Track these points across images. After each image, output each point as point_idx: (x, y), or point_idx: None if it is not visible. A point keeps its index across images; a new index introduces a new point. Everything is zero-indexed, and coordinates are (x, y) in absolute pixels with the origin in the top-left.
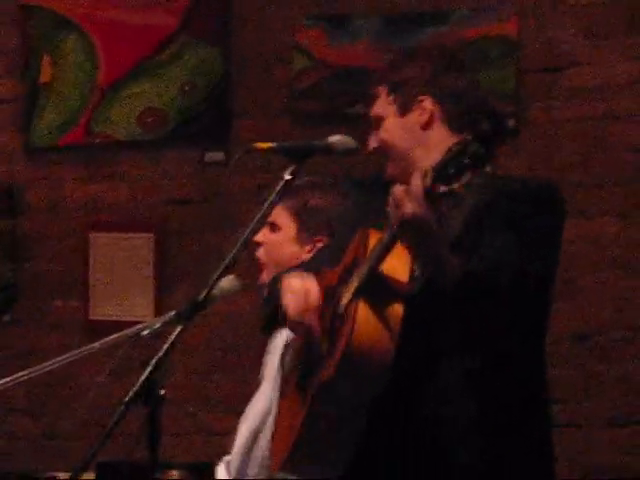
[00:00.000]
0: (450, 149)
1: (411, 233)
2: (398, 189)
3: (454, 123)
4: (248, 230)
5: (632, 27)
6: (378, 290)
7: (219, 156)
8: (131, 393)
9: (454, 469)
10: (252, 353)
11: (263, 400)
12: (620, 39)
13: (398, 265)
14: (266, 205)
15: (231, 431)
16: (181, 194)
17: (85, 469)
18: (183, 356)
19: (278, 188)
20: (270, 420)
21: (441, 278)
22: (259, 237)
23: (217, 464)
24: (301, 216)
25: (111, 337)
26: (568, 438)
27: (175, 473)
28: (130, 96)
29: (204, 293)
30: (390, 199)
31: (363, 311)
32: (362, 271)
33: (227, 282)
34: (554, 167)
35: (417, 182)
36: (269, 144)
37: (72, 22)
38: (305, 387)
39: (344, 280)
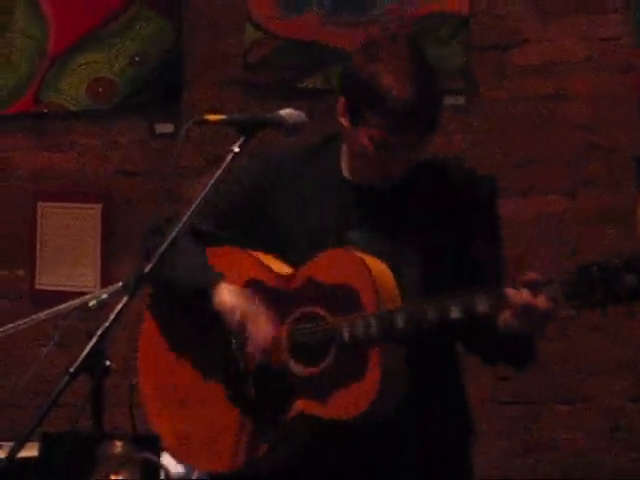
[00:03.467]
0: None
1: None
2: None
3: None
4: (195, 203)
5: (581, 6)
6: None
7: (169, 127)
8: (76, 363)
9: None
10: None
11: None
12: (570, 17)
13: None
14: (214, 178)
15: None
16: (130, 165)
17: (28, 439)
18: (128, 328)
19: (227, 161)
20: None
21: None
22: None
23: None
24: None
25: (57, 307)
26: (512, 414)
27: (119, 444)
28: (80, 66)
29: (150, 265)
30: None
31: (388, 352)
32: (397, 319)
33: None
34: (503, 145)
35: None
36: (219, 116)
37: None
38: (236, 400)
39: (312, 299)
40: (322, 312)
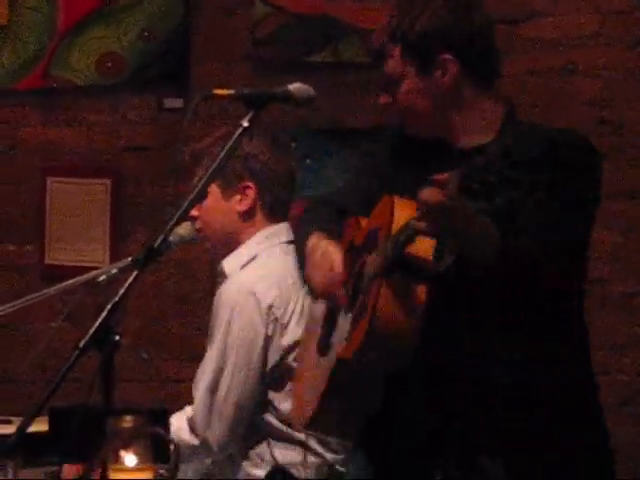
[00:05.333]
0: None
1: (442, 223)
2: (428, 193)
3: (480, 78)
4: (205, 177)
5: None
6: (402, 269)
7: (178, 102)
8: (86, 338)
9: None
10: (206, 301)
11: (214, 357)
12: None
13: (422, 243)
14: (224, 152)
15: (185, 378)
16: (139, 140)
17: (38, 414)
18: (137, 303)
19: (236, 135)
20: (227, 372)
21: (477, 256)
22: (193, 212)
23: (173, 413)
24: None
25: (66, 282)
26: None
27: (129, 418)
28: (89, 41)
29: (160, 239)
30: (420, 196)
31: (386, 291)
32: (387, 247)
33: (183, 229)
34: None
35: (435, 197)
36: (227, 90)
37: None
38: (324, 351)
39: (367, 247)
40: (365, 258)
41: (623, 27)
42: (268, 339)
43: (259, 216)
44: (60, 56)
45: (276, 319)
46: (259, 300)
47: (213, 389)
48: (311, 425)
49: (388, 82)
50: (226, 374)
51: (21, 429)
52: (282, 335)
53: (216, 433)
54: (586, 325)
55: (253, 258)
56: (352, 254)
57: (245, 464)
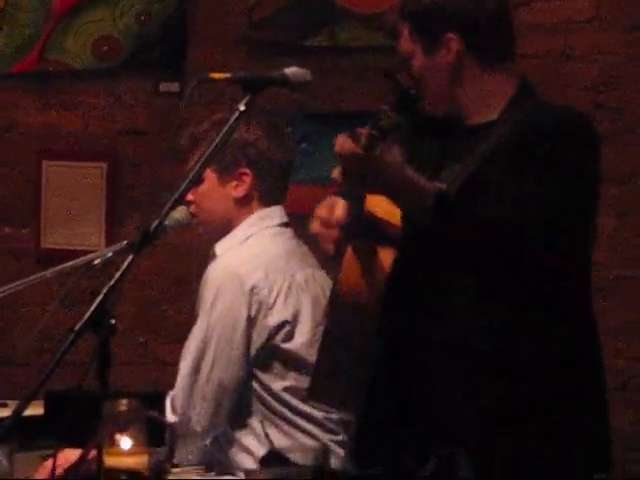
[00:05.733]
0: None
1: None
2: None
3: (486, 57)
4: (201, 161)
5: None
6: (367, 233)
7: (174, 86)
8: (82, 321)
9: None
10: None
11: (198, 336)
12: None
13: (391, 208)
14: (220, 135)
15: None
16: (135, 124)
17: (34, 397)
18: (133, 286)
19: (232, 119)
20: (209, 352)
21: (414, 218)
22: (189, 196)
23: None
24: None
25: (62, 266)
26: None
27: (125, 402)
28: (85, 24)
29: (155, 223)
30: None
31: (350, 256)
32: (352, 210)
33: (179, 213)
34: None
35: (349, 145)
36: (224, 74)
37: None
38: None
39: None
40: None
41: (620, 11)
42: (251, 320)
43: (255, 202)
44: (56, 39)
45: (260, 301)
46: (243, 281)
47: (196, 369)
48: (310, 396)
49: (404, 60)
50: (208, 354)
51: (17, 412)
52: (266, 316)
53: (199, 413)
54: (591, 311)
55: (245, 240)
56: None
57: (239, 434)
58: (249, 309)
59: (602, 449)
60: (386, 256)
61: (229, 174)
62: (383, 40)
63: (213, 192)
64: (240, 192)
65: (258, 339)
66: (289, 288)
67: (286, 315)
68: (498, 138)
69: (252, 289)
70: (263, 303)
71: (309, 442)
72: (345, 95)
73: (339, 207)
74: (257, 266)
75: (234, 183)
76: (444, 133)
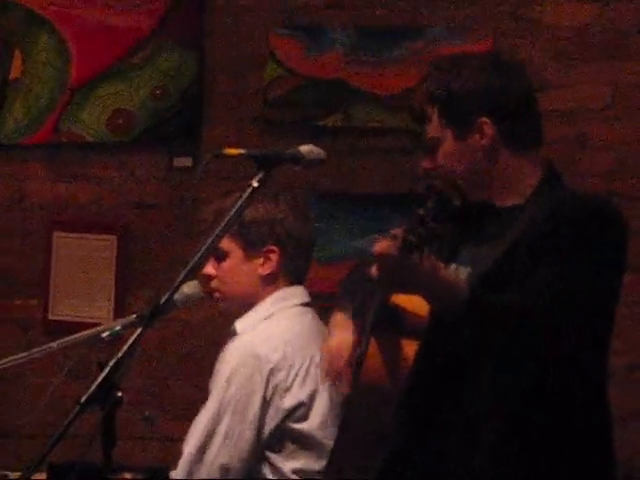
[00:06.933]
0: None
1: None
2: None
3: (517, 142)
4: (213, 236)
5: (604, 52)
6: (390, 324)
7: (187, 161)
8: (88, 393)
9: None
10: (210, 360)
11: (209, 414)
12: (593, 63)
13: (417, 299)
14: (233, 212)
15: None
16: (147, 198)
17: (37, 469)
18: (141, 361)
19: (245, 195)
20: (219, 432)
21: (445, 314)
22: (209, 270)
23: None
24: (242, 234)
25: (70, 337)
26: None
27: (128, 476)
28: (101, 97)
29: (166, 297)
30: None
31: (374, 348)
32: (374, 304)
33: (189, 288)
34: None
35: (383, 249)
36: (238, 150)
37: (45, 19)
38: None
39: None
40: None
41: (636, 99)
42: (266, 403)
43: (280, 281)
44: (71, 111)
45: (276, 384)
46: (261, 363)
47: (202, 448)
48: (327, 473)
49: (429, 145)
50: (218, 434)
51: None
52: (282, 398)
53: None
54: (606, 398)
55: (267, 318)
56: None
57: None
58: (265, 391)
59: None
60: (409, 348)
61: (256, 251)
62: (398, 122)
63: (238, 268)
64: (267, 270)
65: (272, 421)
66: (307, 369)
67: (302, 397)
68: (526, 224)
69: (271, 371)
70: (280, 386)
71: None
72: (359, 176)
73: (346, 347)
74: (277, 346)
75: (261, 260)
76: (467, 216)
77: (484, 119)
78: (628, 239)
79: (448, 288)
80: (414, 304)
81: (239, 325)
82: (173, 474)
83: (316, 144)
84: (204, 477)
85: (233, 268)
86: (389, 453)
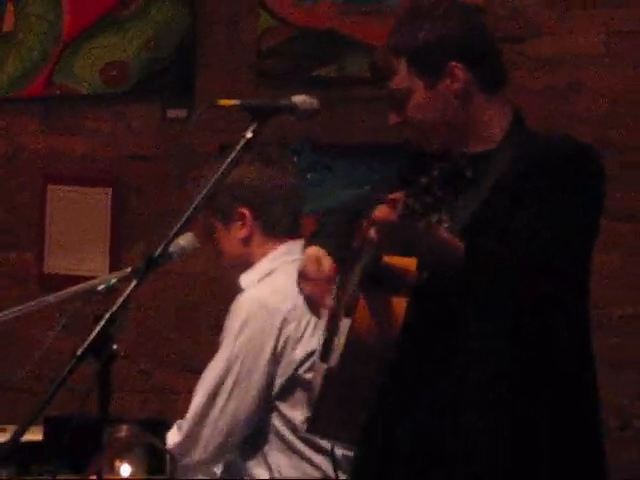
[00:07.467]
0: (417, 182)
1: (391, 240)
2: (379, 211)
3: (488, 84)
4: (207, 188)
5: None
6: (381, 281)
7: (182, 113)
8: (83, 346)
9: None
10: (205, 313)
11: (219, 364)
12: (584, 11)
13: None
14: (226, 163)
15: (181, 390)
16: (142, 150)
17: (33, 422)
18: (136, 314)
19: (239, 146)
20: (228, 382)
21: (443, 270)
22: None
23: (170, 424)
24: (214, 208)
25: (65, 291)
26: None
27: (125, 428)
28: (94, 49)
29: (160, 249)
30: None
31: (364, 304)
32: (366, 258)
33: (184, 240)
34: None
35: (384, 215)
36: (232, 101)
37: None
38: (324, 356)
39: (351, 267)
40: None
41: (629, 48)
42: (277, 354)
43: (261, 237)
44: (65, 64)
45: (288, 335)
46: (272, 314)
47: (212, 397)
48: (311, 430)
49: (396, 99)
50: (227, 384)
51: (15, 438)
52: (294, 349)
53: (207, 441)
54: (590, 345)
55: (269, 274)
56: (352, 259)
57: (250, 464)
58: (276, 342)
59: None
60: (399, 305)
61: (230, 219)
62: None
63: (225, 240)
64: (244, 232)
65: (284, 372)
66: (317, 320)
67: (313, 345)
68: (502, 169)
69: (282, 323)
70: (291, 337)
71: (316, 474)
72: (353, 126)
73: (325, 261)
74: (286, 297)
75: (238, 224)
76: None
77: (454, 63)
78: (604, 180)
79: (447, 248)
80: (402, 260)
81: (243, 279)
82: (181, 422)
83: (310, 94)
84: (212, 426)
85: (221, 240)
86: (380, 407)
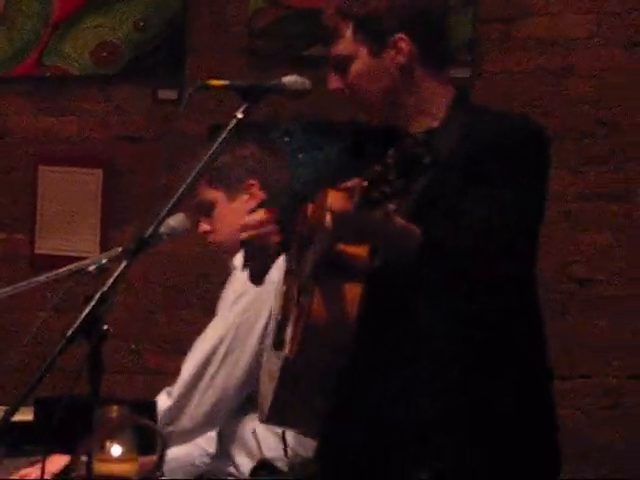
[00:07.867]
0: (375, 171)
1: (346, 228)
2: (334, 201)
3: (432, 60)
4: (198, 168)
5: None
6: (335, 268)
7: (172, 94)
8: (74, 327)
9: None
10: (196, 294)
11: (213, 333)
12: None
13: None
14: (217, 143)
15: (170, 371)
16: (132, 131)
17: (23, 402)
18: (127, 294)
19: (230, 127)
20: (220, 351)
21: (396, 260)
22: (203, 227)
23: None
24: (220, 180)
25: (56, 271)
26: None
27: (115, 409)
28: (84, 30)
29: (151, 230)
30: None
31: (320, 291)
32: (319, 245)
33: (176, 220)
34: None
35: (341, 206)
36: (222, 82)
37: None
38: (277, 346)
39: (302, 253)
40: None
41: (620, 28)
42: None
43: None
44: (55, 44)
45: None
46: (268, 287)
47: (203, 365)
48: (269, 419)
49: (338, 63)
50: (219, 353)
51: (5, 418)
52: None
53: (194, 409)
54: (539, 310)
55: None
56: (300, 246)
57: (241, 432)
58: (269, 319)
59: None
60: (354, 291)
61: (237, 190)
62: None
63: (228, 212)
64: (253, 203)
65: None
66: None
67: None
68: (449, 148)
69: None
70: None
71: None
72: (343, 105)
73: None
74: (281, 274)
75: (245, 197)
76: (383, 143)
77: (401, 35)
78: (551, 155)
79: (404, 236)
80: (355, 247)
81: (237, 261)
82: (170, 389)
83: (301, 74)
84: (201, 394)
85: (223, 217)
86: (340, 395)
